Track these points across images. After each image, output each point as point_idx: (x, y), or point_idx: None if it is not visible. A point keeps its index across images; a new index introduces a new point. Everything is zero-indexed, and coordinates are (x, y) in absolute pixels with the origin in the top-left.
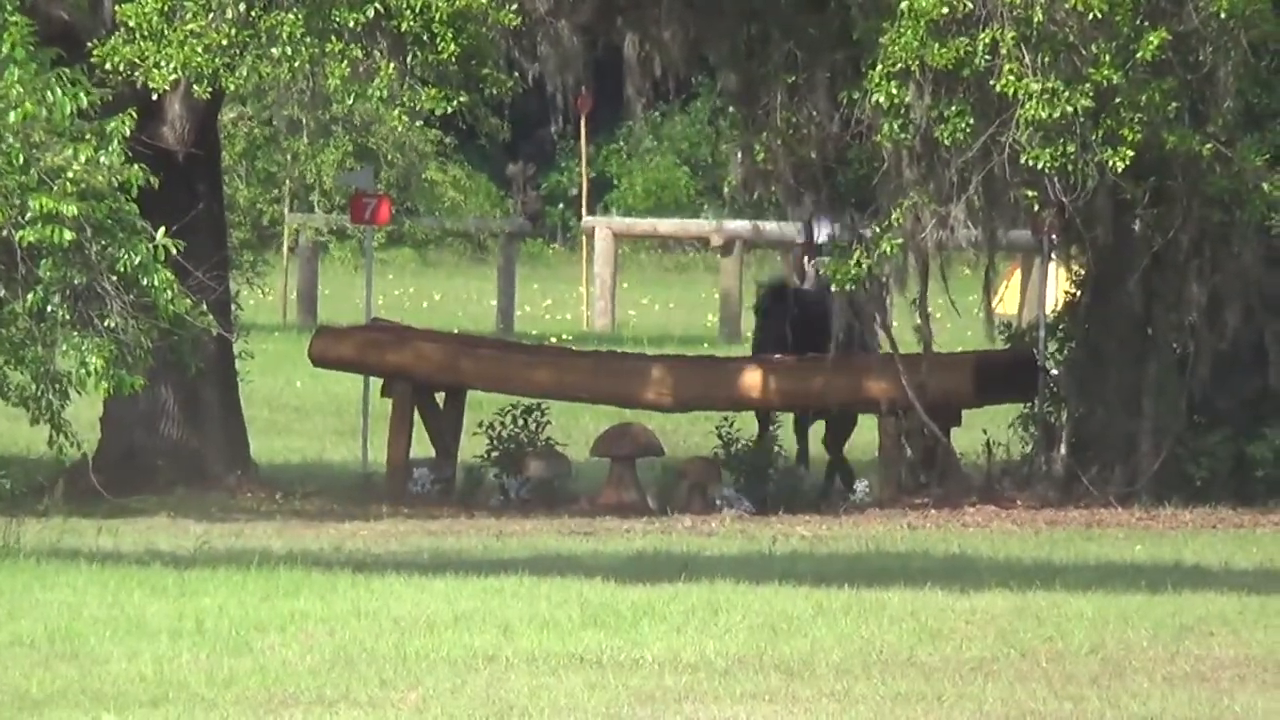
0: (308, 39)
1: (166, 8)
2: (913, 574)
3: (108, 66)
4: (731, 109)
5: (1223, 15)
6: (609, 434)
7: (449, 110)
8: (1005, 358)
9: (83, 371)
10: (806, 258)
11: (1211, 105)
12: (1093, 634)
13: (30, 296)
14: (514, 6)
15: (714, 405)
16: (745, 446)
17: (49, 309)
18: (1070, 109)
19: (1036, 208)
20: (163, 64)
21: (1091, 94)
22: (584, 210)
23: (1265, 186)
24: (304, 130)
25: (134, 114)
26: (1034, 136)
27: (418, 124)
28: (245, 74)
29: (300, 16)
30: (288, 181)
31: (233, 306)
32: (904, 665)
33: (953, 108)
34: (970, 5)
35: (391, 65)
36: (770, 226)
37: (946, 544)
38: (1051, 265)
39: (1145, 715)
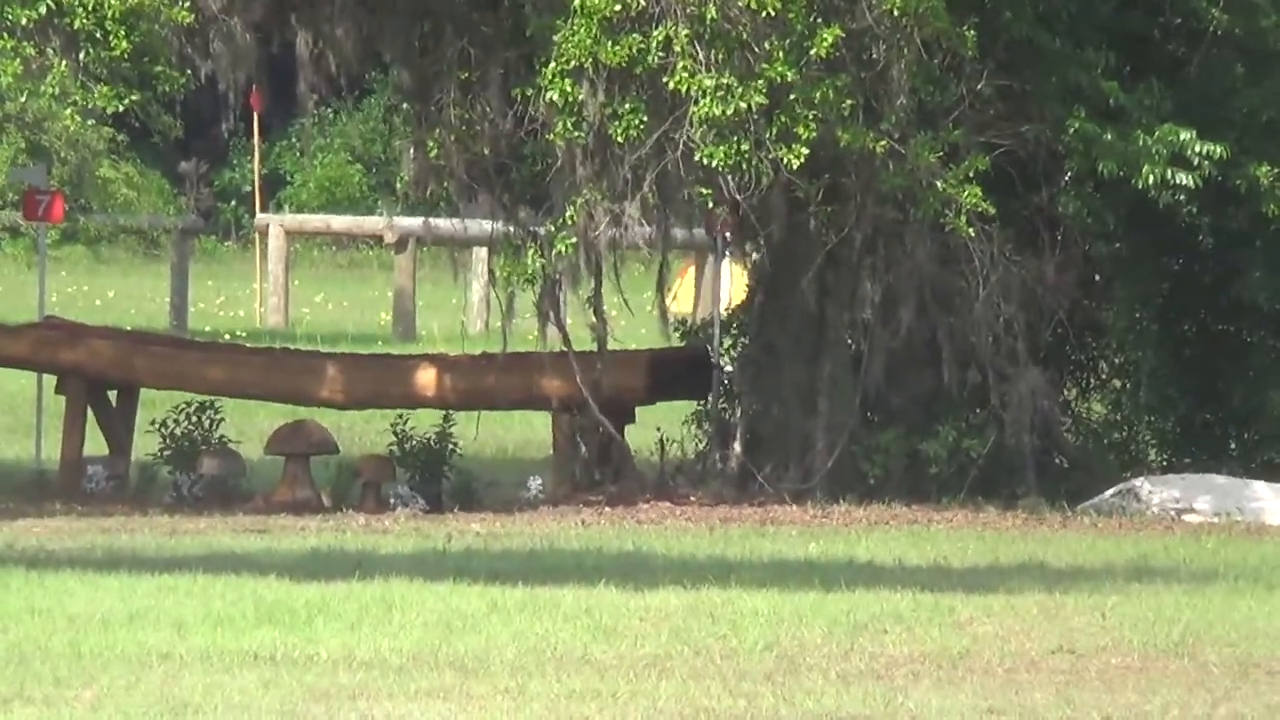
0: None
1: None
2: (587, 571)
3: None
4: (405, 105)
5: (895, 13)
6: (283, 431)
7: (121, 108)
8: (680, 355)
9: None
10: None
11: (885, 103)
12: (767, 631)
13: None
14: (186, 4)
15: (388, 403)
16: (419, 444)
17: None
18: (744, 106)
19: (710, 205)
20: None
21: (765, 91)
22: (257, 207)
23: (939, 184)
24: None
25: None
26: (708, 134)
27: (90, 121)
28: None
29: None
30: None
31: None
32: (578, 662)
33: (626, 105)
34: (643, 3)
35: (64, 63)
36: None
37: (621, 541)
38: (726, 262)
39: (819, 712)
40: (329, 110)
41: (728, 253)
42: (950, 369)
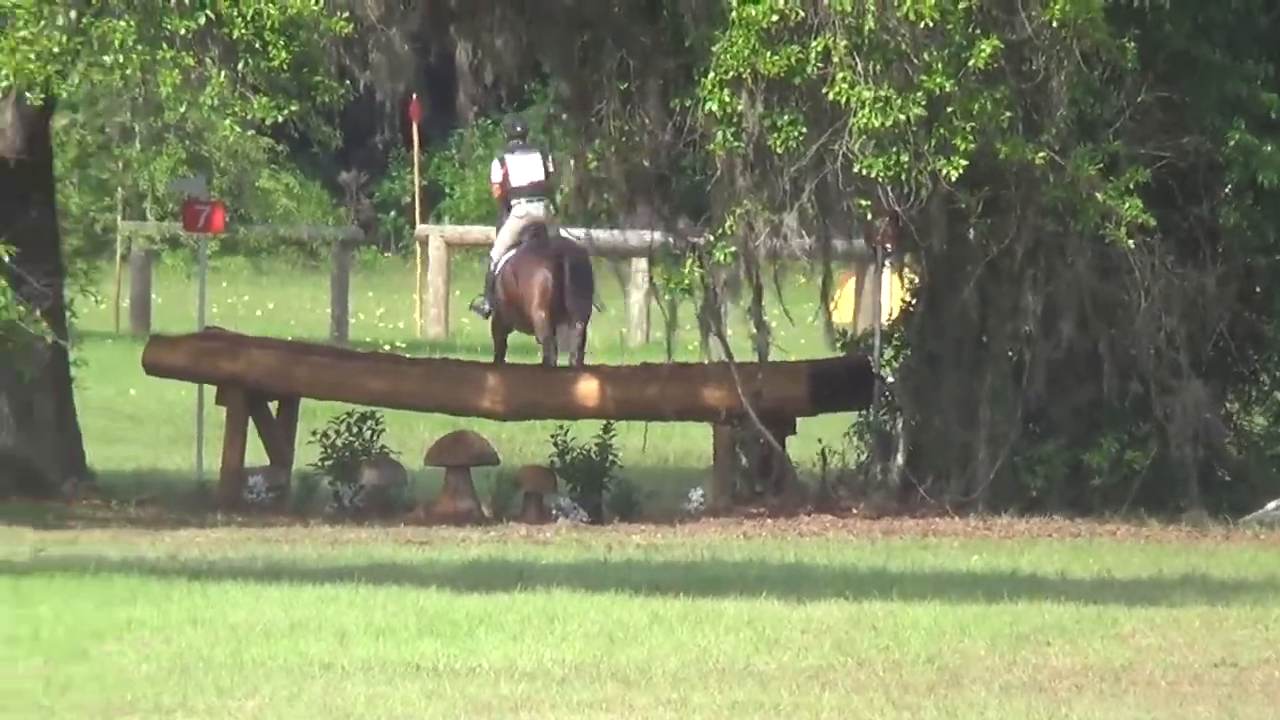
0: (139, 46)
1: None
2: (749, 583)
3: None
4: (564, 116)
5: (1055, 24)
6: (443, 442)
7: (280, 118)
8: (841, 366)
9: None
10: (504, 198)
11: (1044, 114)
12: (929, 643)
13: None
14: (345, 14)
15: (548, 414)
16: (580, 455)
17: None
18: (903, 117)
19: (870, 216)
20: None
21: (924, 102)
22: (417, 218)
23: (1099, 196)
24: (136, 138)
25: None
26: (867, 145)
27: (250, 132)
28: (77, 81)
29: (132, 24)
30: (120, 189)
31: (66, 314)
32: (740, 674)
33: (785, 116)
34: (802, 13)
35: (223, 73)
36: (603, 235)
37: (782, 553)
38: (886, 274)
39: None
40: (488, 121)
41: (887, 263)
42: (1112, 381)
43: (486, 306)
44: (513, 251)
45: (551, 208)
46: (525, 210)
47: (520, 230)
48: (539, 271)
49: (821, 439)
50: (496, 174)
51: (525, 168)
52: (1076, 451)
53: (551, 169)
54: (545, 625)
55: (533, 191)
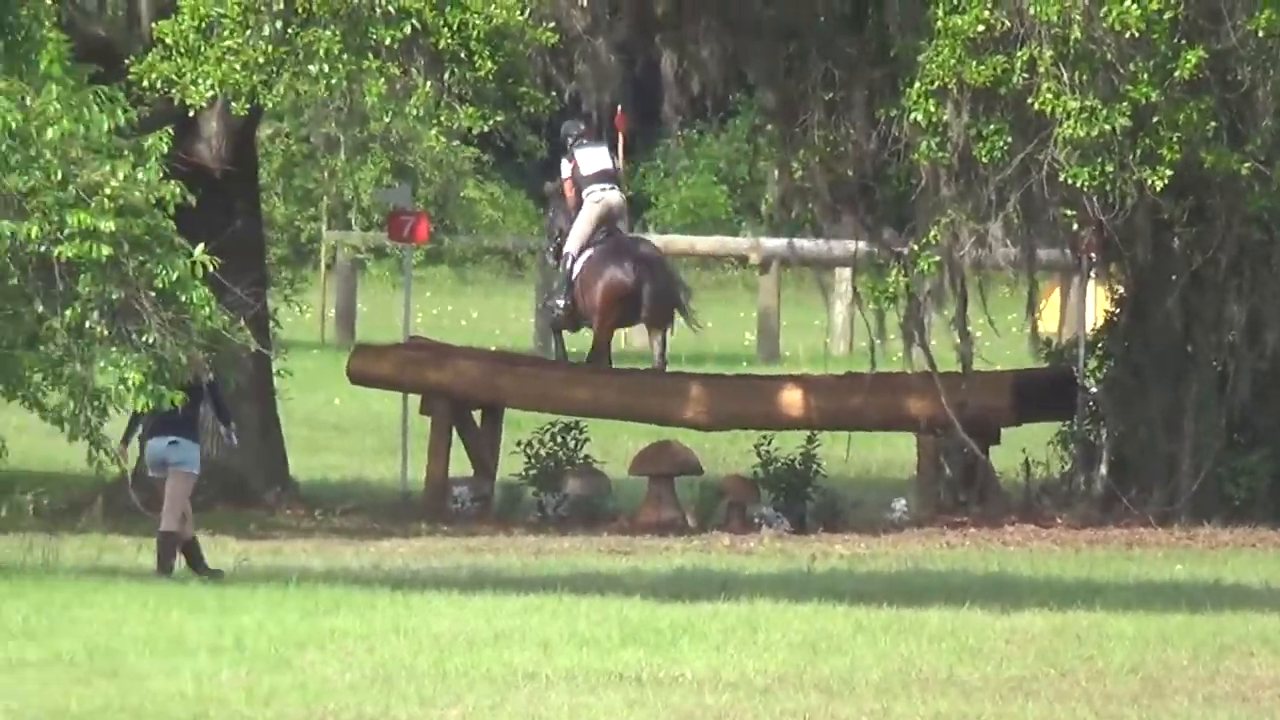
0: (345, 56)
1: (203, 24)
2: (952, 592)
3: (145, 83)
4: (769, 126)
5: (1260, 34)
6: (647, 452)
7: (486, 128)
8: (1044, 376)
9: (121, 388)
10: (577, 190)
11: (1249, 124)
12: (1133, 653)
13: (68, 312)
14: (551, 25)
15: (752, 423)
16: (784, 465)
17: (87, 325)
18: (1108, 127)
19: (1075, 226)
20: (200, 81)
21: (1129, 112)
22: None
23: None
24: (341, 147)
25: (171, 131)
26: (1072, 155)
27: (455, 142)
28: (282, 91)
29: (337, 33)
30: (325, 199)
31: (271, 324)
32: (944, 684)
33: (990, 126)
34: (1008, 23)
35: (429, 83)
36: (808, 244)
37: (986, 563)
38: (1091, 283)
39: None
40: (693, 131)
41: (1092, 273)
42: None
43: (560, 305)
44: (590, 251)
45: (623, 195)
46: (600, 196)
47: (597, 218)
48: (616, 277)
49: (1025, 449)
50: (566, 170)
51: (593, 159)
52: None
53: (619, 162)
54: (748, 635)
55: (604, 179)
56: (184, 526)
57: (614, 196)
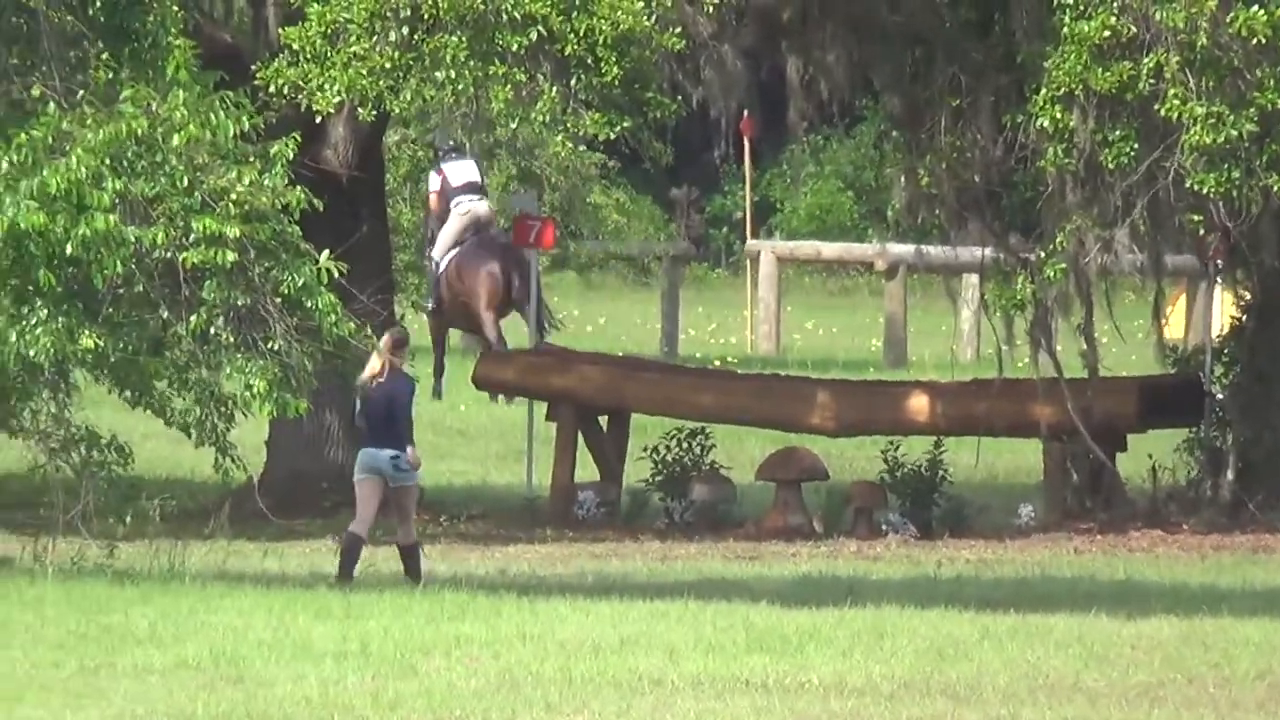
0: (471, 62)
1: (330, 30)
2: (1079, 599)
3: (271, 89)
4: (895, 132)
5: None
6: (774, 458)
7: (612, 134)
8: (1170, 382)
9: (247, 394)
10: (444, 201)
11: None
12: (1259, 659)
13: (194, 319)
14: (678, 30)
15: (878, 429)
16: (911, 470)
17: (213, 331)
18: (1234, 133)
19: (1201, 232)
20: (326, 87)
21: (1256, 119)
22: (748, 234)
23: None
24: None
25: (298, 137)
26: (1198, 161)
27: (581, 147)
28: (409, 97)
29: (464, 40)
30: None
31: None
32: (1070, 690)
33: (1117, 132)
34: (1134, 29)
35: (555, 88)
36: (934, 250)
37: (1112, 569)
38: (1217, 289)
39: None
40: (820, 137)
41: (1219, 280)
42: None
43: (431, 304)
44: (455, 250)
45: (490, 206)
46: (468, 207)
47: (463, 227)
48: (484, 269)
49: (1152, 455)
50: (434, 183)
51: (461, 171)
52: None
53: (484, 175)
54: (874, 640)
55: (470, 191)
56: (408, 533)
57: (481, 207)
